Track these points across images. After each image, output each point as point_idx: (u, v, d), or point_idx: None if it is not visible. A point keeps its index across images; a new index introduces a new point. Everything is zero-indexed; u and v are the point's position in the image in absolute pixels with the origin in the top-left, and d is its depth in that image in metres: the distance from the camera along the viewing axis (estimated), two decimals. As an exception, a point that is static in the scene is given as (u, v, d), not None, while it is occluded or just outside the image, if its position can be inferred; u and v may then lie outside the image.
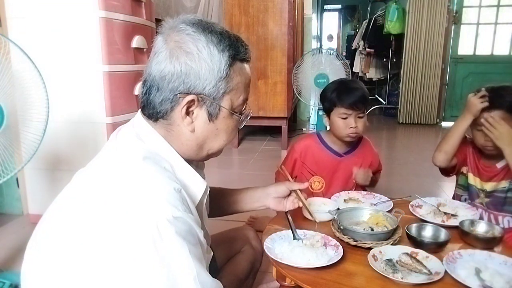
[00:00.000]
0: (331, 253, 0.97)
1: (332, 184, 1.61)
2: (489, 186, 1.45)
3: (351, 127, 1.47)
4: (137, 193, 0.64)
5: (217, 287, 0.70)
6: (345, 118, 1.47)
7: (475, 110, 1.37)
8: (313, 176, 1.62)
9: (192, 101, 0.72)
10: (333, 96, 1.49)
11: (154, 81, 0.73)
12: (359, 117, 1.49)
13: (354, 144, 1.62)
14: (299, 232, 1.06)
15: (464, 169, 1.53)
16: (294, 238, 1.04)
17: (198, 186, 0.76)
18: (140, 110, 0.79)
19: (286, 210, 1.10)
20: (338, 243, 1.00)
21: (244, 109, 0.81)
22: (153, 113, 0.75)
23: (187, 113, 0.73)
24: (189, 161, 0.79)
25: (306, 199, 1.10)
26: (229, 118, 0.78)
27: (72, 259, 0.63)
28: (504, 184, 1.42)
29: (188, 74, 0.71)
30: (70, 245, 0.64)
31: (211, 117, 0.75)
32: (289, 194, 1.10)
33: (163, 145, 0.75)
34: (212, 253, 0.82)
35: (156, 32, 0.77)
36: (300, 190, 1.08)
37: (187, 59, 0.70)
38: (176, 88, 0.71)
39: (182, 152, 0.76)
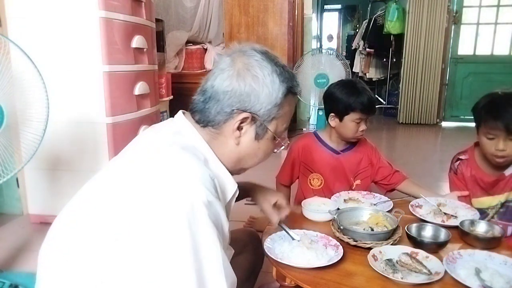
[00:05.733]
0: (331, 253, 0.97)
1: (331, 181, 1.62)
2: (502, 197, 1.39)
3: (362, 130, 1.55)
4: (174, 175, 0.70)
5: (235, 280, 0.72)
6: (358, 122, 1.53)
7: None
8: (312, 173, 1.63)
9: (246, 118, 0.80)
10: (351, 101, 1.51)
11: (215, 94, 0.80)
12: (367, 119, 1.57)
13: (351, 142, 1.64)
14: (299, 232, 1.06)
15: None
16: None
17: (229, 186, 0.82)
18: (189, 113, 0.85)
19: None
20: (338, 243, 1.00)
21: (284, 137, 0.89)
22: (204, 120, 0.82)
23: (238, 128, 0.81)
24: None
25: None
26: (271, 141, 0.86)
27: (108, 232, 0.68)
28: None
29: (250, 94, 0.79)
30: (108, 221, 0.69)
31: (258, 136, 0.83)
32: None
33: (203, 146, 0.81)
34: (233, 251, 0.84)
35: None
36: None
37: (252, 81, 0.79)
38: (234, 104, 0.79)
39: (221, 159, 0.83)
